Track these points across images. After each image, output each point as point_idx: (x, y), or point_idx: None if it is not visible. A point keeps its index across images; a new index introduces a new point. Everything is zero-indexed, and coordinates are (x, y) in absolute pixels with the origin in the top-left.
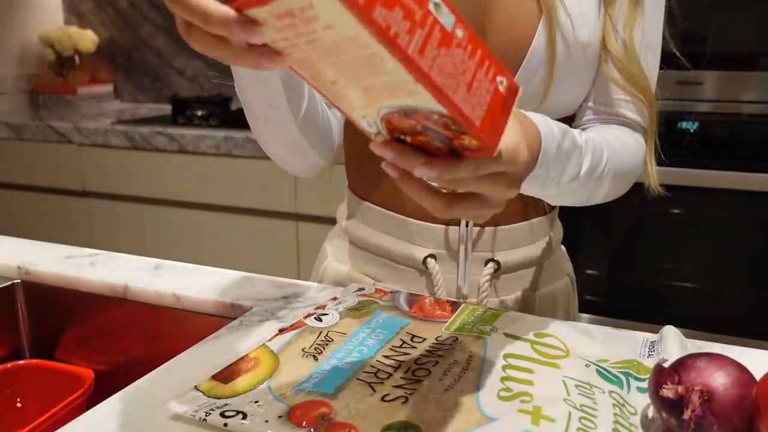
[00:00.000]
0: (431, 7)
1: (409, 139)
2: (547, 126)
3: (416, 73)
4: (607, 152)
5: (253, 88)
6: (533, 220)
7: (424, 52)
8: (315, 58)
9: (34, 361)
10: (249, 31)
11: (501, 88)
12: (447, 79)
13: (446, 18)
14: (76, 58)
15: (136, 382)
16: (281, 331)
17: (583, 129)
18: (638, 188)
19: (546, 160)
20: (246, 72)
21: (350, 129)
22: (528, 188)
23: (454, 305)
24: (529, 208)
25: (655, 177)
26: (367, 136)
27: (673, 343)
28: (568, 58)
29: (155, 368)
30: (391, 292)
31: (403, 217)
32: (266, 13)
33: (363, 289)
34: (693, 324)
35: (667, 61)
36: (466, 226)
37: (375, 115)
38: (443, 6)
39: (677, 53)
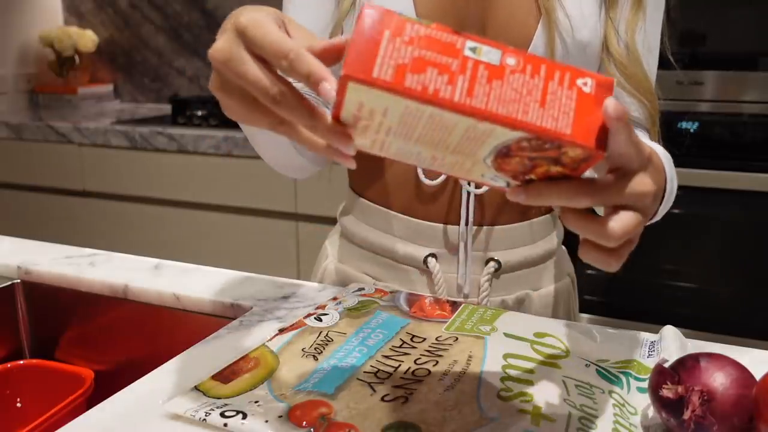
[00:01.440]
0: (467, 52)
1: (534, 176)
2: (670, 166)
3: (474, 114)
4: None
5: None
6: (534, 219)
7: (473, 93)
8: (403, 144)
9: (34, 361)
10: (345, 142)
11: (586, 89)
12: (510, 105)
13: (489, 55)
14: (76, 58)
15: (136, 382)
16: (281, 331)
17: None
18: None
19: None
20: None
21: None
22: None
23: (454, 305)
24: (530, 207)
25: None
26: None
27: (673, 343)
28: (567, 59)
29: (155, 368)
30: (391, 292)
31: (403, 215)
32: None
33: (363, 289)
34: (693, 324)
35: (663, 62)
36: (466, 224)
37: (487, 169)
38: (482, 46)
39: (670, 58)
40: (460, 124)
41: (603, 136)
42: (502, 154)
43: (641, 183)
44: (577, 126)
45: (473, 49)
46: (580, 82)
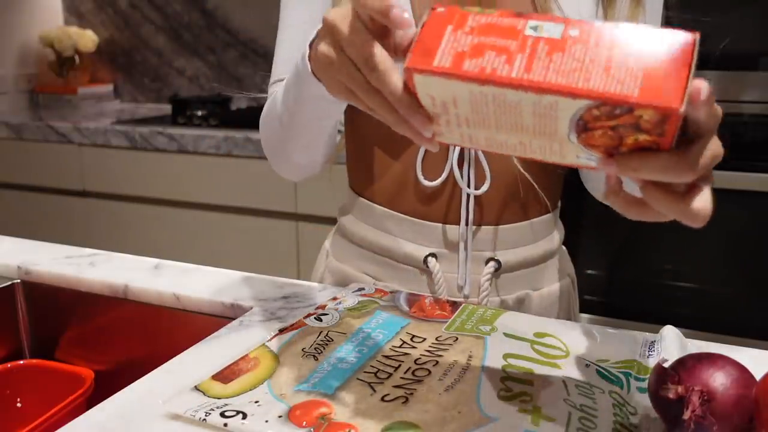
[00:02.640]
0: (528, 32)
1: (625, 150)
2: None
3: (531, 88)
4: None
5: (327, 112)
6: (534, 219)
7: (531, 69)
8: (486, 133)
9: (34, 361)
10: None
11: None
12: (571, 75)
13: (551, 31)
14: (76, 58)
15: (136, 382)
16: (281, 331)
17: None
18: None
19: None
20: (329, 99)
21: (352, 127)
22: None
23: (454, 305)
24: (530, 207)
25: None
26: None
27: (673, 343)
28: None
29: (155, 368)
30: (391, 292)
31: (403, 215)
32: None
33: (363, 289)
34: (693, 324)
35: None
36: (466, 224)
37: (579, 148)
38: (544, 23)
39: None
40: (524, 102)
41: (678, 93)
42: (581, 128)
43: (718, 146)
44: (646, 87)
45: (535, 28)
46: None
